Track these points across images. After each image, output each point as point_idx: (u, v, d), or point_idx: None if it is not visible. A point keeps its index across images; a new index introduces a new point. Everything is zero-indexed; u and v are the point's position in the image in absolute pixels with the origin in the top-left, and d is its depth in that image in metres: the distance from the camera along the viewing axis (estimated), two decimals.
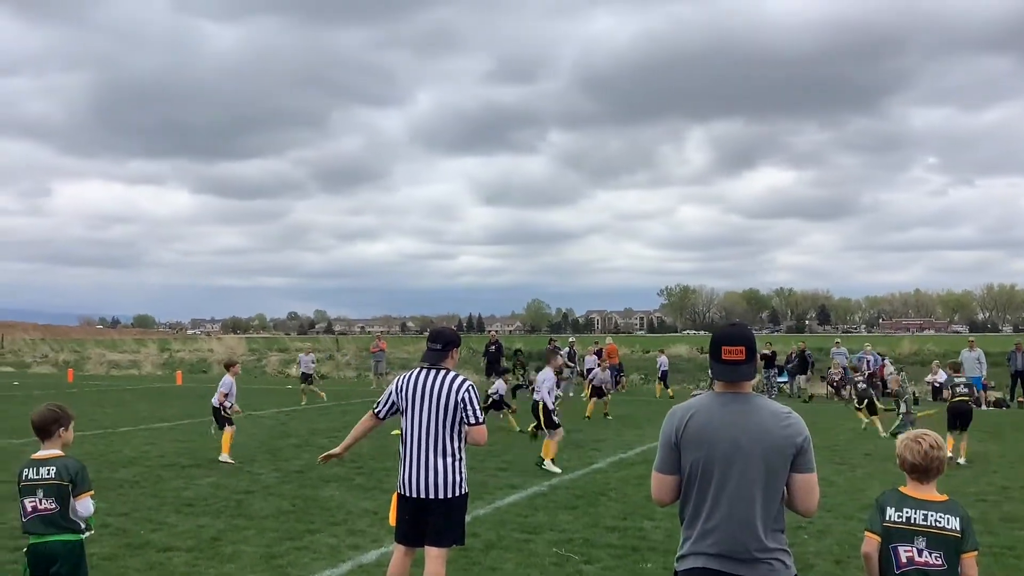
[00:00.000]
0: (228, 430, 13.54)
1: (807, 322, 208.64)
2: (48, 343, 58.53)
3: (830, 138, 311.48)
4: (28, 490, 5.18)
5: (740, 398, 3.67)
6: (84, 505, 5.22)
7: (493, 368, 30.98)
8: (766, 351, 29.44)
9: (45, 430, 5.30)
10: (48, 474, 5.17)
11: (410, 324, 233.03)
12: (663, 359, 31.02)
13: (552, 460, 13.04)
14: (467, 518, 6.20)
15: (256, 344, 58.11)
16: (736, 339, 3.68)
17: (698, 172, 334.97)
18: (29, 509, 5.17)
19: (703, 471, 3.62)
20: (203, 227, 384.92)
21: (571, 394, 29.46)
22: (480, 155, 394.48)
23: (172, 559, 7.73)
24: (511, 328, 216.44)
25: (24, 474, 5.22)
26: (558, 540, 8.53)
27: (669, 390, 30.16)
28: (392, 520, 5.94)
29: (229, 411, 13.59)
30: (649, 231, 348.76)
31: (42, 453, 5.29)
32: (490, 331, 50.15)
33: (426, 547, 5.73)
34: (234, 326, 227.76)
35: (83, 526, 5.30)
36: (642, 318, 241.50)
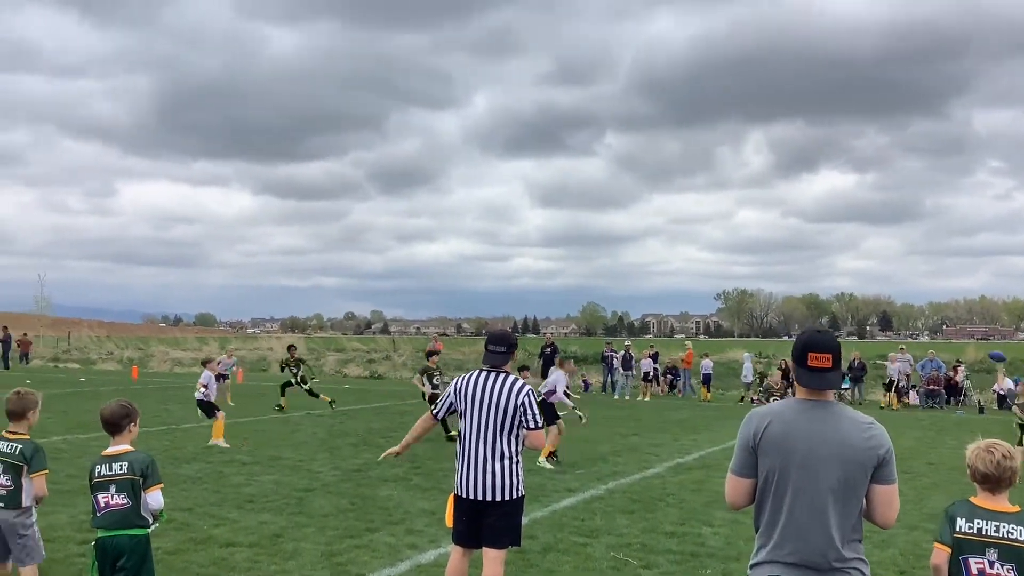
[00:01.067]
0: (219, 416, 15.34)
1: (868, 328, 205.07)
2: (113, 340, 59.87)
3: (892, 141, 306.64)
4: (101, 486, 5.32)
5: (821, 405, 3.61)
6: (155, 498, 5.35)
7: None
8: None
9: (116, 425, 5.44)
10: (120, 470, 5.31)
11: (465, 325, 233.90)
12: (707, 363, 30.77)
13: (548, 456, 13.29)
14: (524, 520, 6.21)
15: (314, 344, 58.78)
16: (823, 346, 3.62)
17: (756, 175, 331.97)
18: (102, 504, 5.31)
19: (779, 478, 3.58)
20: (264, 228, 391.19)
21: (627, 397, 29.35)
22: (536, 157, 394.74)
23: (234, 554, 7.86)
24: (566, 331, 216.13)
25: (97, 471, 5.36)
26: (616, 544, 8.49)
27: (709, 395, 29.94)
28: (449, 521, 5.98)
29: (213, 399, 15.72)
30: (706, 234, 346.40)
31: (112, 449, 5.42)
32: (546, 333, 50.10)
33: (484, 548, 5.76)
34: (292, 325, 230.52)
35: (151, 520, 5.43)
36: (698, 322, 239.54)
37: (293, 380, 21.64)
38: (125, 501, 5.29)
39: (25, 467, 5.80)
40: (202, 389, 15.62)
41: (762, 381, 28.00)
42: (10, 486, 5.79)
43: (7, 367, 40.69)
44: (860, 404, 28.35)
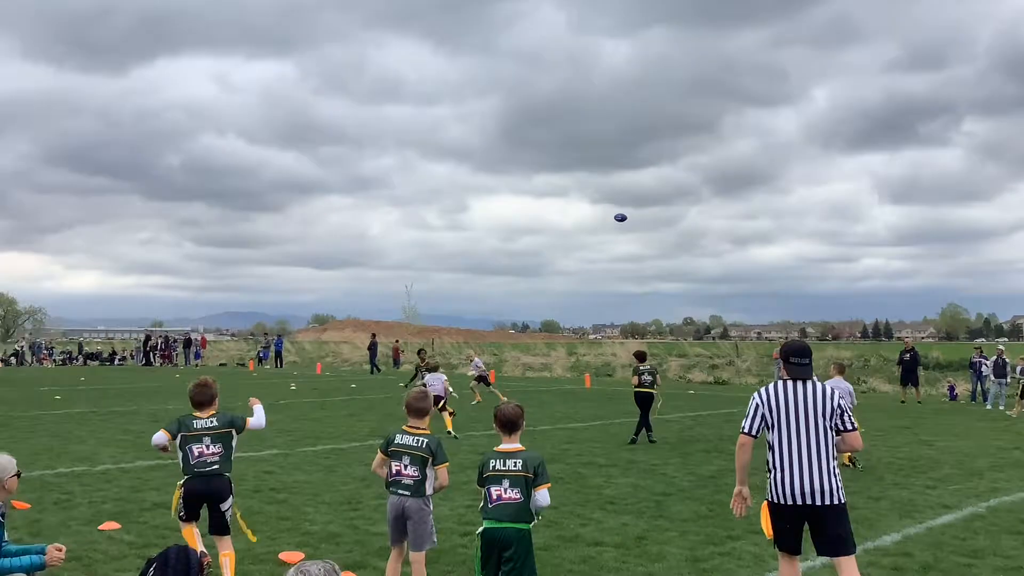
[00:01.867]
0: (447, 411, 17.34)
1: None
2: (471, 347, 64.16)
3: None
4: (495, 480, 5.76)
5: None
6: (543, 496, 5.74)
7: (909, 377, 29.01)
8: None
9: (514, 424, 5.96)
10: (514, 466, 5.74)
11: (809, 330, 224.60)
12: None
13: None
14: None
15: (656, 349, 59.26)
16: None
17: None
18: (494, 497, 5.74)
19: None
20: (602, 236, 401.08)
21: (1000, 407, 26.68)
22: (884, 150, 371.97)
23: (602, 554, 8.15)
24: (923, 334, 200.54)
25: (491, 464, 5.82)
26: (1005, 567, 7.77)
27: None
28: (768, 531, 5.96)
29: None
30: None
31: (507, 446, 5.89)
32: (904, 338, 46.89)
33: (838, 558, 5.77)
34: (632, 331, 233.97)
35: (536, 516, 5.80)
36: None
37: (417, 381, 22.24)
38: (518, 496, 5.70)
39: (431, 459, 6.44)
40: (436, 385, 17.77)
41: None
42: (417, 476, 6.44)
43: (374, 371, 44.91)
44: None
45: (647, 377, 17.08)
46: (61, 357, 58.10)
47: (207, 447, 6.95)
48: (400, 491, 6.47)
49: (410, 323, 72.41)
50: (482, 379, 26.12)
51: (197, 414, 7.11)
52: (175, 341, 57.49)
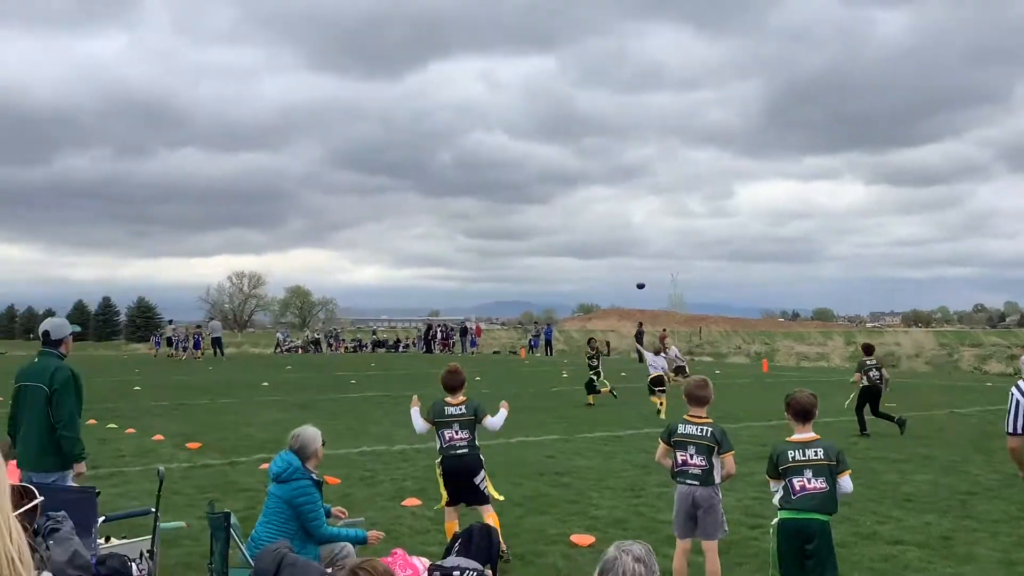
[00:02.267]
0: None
1: None
2: (740, 335, 62.75)
3: None
4: (796, 470, 5.67)
5: None
6: (846, 482, 5.62)
7: None
8: None
9: (809, 412, 5.81)
10: (815, 455, 5.65)
11: None
12: None
13: None
14: None
15: (945, 338, 55.23)
16: None
17: None
18: (797, 488, 5.65)
19: None
20: (879, 218, 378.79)
21: None
22: None
23: (905, 553, 7.74)
24: None
25: (790, 455, 5.72)
26: None
27: None
28: None
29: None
30: None
31: (803, 435, 5.76)
32: None
33: None
34: (915, 319, 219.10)
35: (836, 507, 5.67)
36: None
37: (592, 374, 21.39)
38: (823, 485, 5.57)
39: (716, 447, 6.40)
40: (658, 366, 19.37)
41: None
42: (705, 465, 6.43)
43: (642, 360, 44.96)
44: None
45: (874, 373, 16.01)
46: (351, 344, 62.77)
47: (456, 432, 7.71)
48: (688, 481, 6.47)
49: (676, 312, 71.80)
50: (680, 370, 25.01)
51: (449, 400, 7.84)
52: (452, 330, 60.46)
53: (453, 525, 7.71)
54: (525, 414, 18.49)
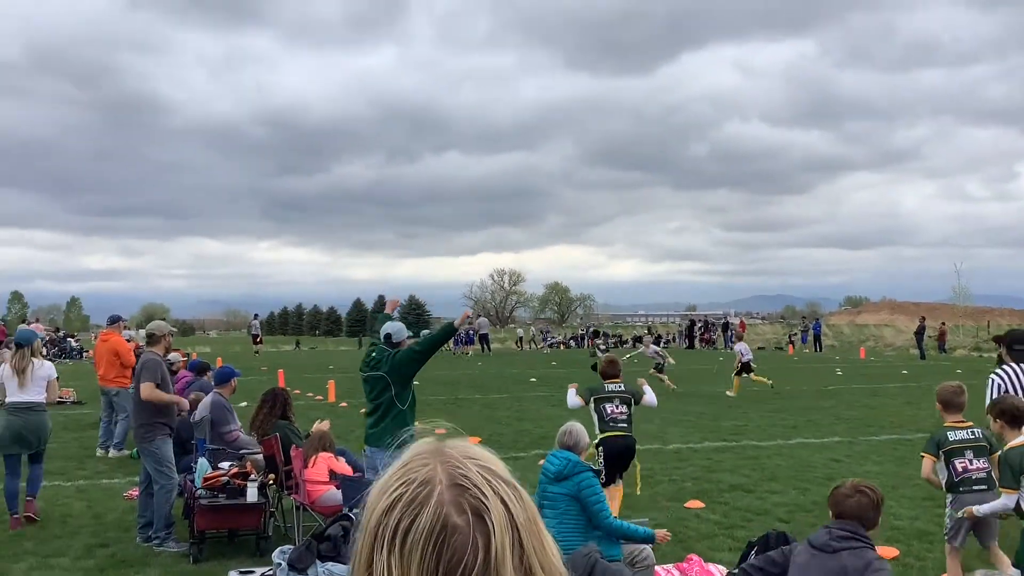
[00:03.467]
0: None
1: None
2: None
3: None
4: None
5: None
6: None
7: None
8: None
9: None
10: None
11: None
12: None
13: None
14: None
15: None
16: None
17: None
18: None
19: None
20: None
21: None
22: None
23: None
24: None
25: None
26: None
27: None
28: None
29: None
30: None
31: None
32: None
33: None
34: None
35: None
36: None
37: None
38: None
39: (988, 448, 6.34)
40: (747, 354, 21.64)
41: None
42: (987, 467, 6.28)
43: (923, 357, 42.03)
44: None
45: None
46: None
47: (616, 407, 8.57)
48: (976, 487, 6.22)
49: (957, 304, 66.57)
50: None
51: (607, 383, 8.79)
52: (713, 325, 59.41)
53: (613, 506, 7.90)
54: (798, 414, 17.75)
